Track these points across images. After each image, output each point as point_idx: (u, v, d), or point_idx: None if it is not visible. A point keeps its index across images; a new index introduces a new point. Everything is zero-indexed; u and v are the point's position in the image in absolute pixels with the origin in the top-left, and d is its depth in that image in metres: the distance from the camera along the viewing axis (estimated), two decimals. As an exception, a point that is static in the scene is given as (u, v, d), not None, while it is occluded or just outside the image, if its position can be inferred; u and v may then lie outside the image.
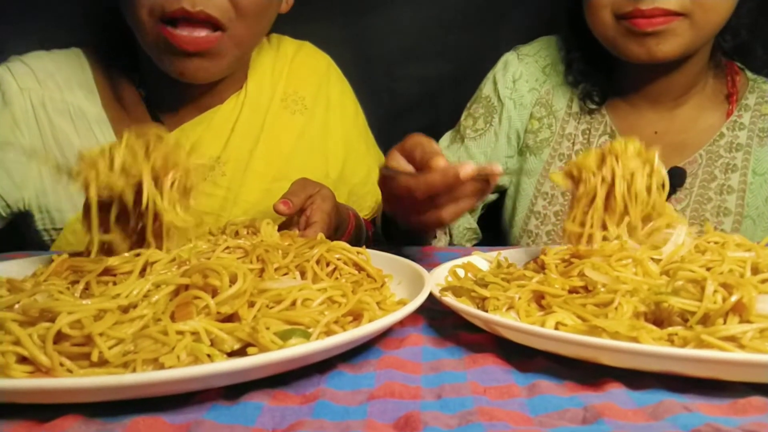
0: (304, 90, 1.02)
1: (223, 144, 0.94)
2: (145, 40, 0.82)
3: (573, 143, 1.01)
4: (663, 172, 0.60)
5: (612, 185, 0.59)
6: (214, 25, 0.79)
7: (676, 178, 0.93)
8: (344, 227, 0.91)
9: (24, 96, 0.89)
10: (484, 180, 0.64)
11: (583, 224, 0.60)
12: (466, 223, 1.06)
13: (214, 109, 0.94)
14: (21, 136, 0.88)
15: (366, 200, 1.08)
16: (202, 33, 0.79)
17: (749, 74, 1.00)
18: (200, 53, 0.80)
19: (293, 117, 1.00)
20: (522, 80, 1.03)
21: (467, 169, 0.61)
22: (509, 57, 1.05)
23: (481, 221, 1.09)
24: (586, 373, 0.41)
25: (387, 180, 0.69)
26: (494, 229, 1.11)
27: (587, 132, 1.00)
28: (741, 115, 0.97)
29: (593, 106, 0.99)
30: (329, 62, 1.07)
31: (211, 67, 0.83)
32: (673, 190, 0.93)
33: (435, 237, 0.93)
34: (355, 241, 0.91)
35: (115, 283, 0.49)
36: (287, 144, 0.99)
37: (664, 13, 0.81)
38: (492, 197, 1.08)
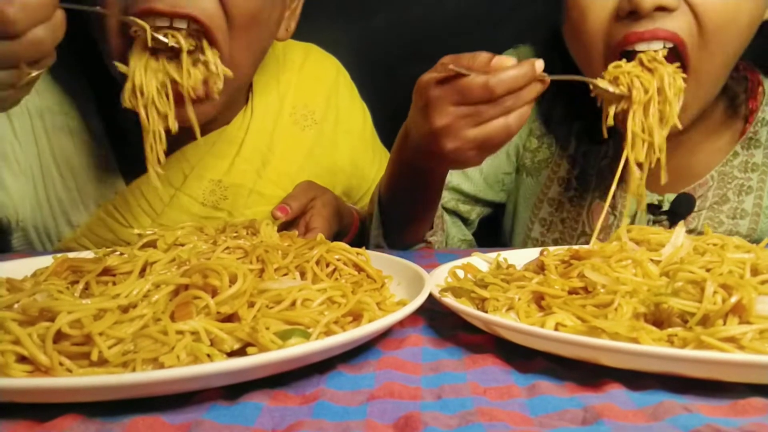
0: (314, 103, 0.96)
1: (227, 168, 0.88)
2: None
3: (573, 166, 0.95)
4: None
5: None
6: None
7: (684, 204, 0.87)
8: (347, 230, 0.90)
9: (21, 106, 0.82)
10: (540, 82, 0.63)
11: (643, 129, 0.70)
12: (461, 235, 1.01)
13: (218, 130, 0.87)
14: (19, 149, 0.83)
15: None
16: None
17: (765, 81, 0.89)
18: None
19: (303, 133, 0.94)
20: None
21: (540, 63, 0.62)
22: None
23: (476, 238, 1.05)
24: (586, 373, 0.41)
25: (447, 87, 0.63)
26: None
27: (588, 154, 0.94)
28: (757, 132, 0.88)
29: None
30: (338, 68, 1.02)
31: (200, 114, 0.74)
32: (681, 217, 0.87)
33: (431, 228, 0.87)
34: (360, 242, 0.90)
35: (114, 283, 0.49)
36: (296, 163, 0.94)
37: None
38: (486, 211, 1.03)
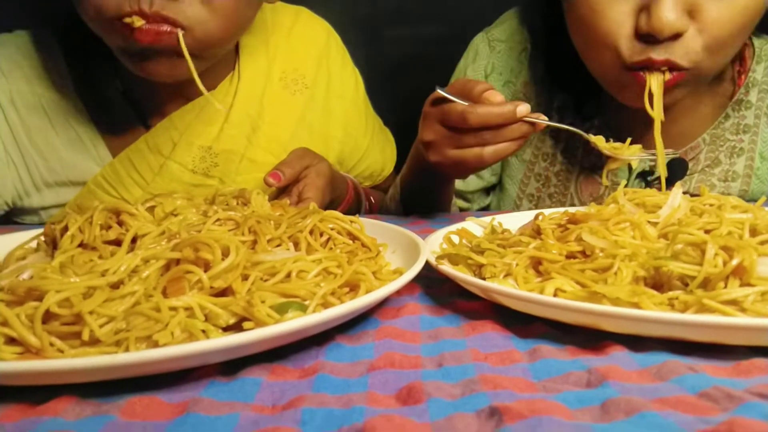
0: (304, 67, 0.93)
1: (216, 134, 0.86)
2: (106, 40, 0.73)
3: (557, 141, 0.94)
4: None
5: None
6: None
7: (677, 168, 0.86)
8: (340, 199, 0.89)
9: None
10: (530, 125, 0.67)
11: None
12: None
13: (204, 95, 0.84)
14: None
15: (363, 176, 1.04)
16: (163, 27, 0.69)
17: (754, 40, 0.88)
18: (163, 50, 0.70)
19: (293, 98, 0.92)
20: (495, 74, 0.95)
21: (523, 108, 0.65)
22: (479, 45, 0.96)
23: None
24: (587, 337, 0.40)
25: (436, 107, 0.70)
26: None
27: (573, 127, 0.92)
28: (747, 93, 0.88)
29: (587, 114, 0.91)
30: (329, 31, 0.99)
31: (180, 66, 0.72)
32: (674, 181, 0.83)
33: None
34: (354, 212, 0.89)
35: (101, 257, 0.47)
36: (287, 129, 0.91)
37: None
38: (485, 202, 1.04)
